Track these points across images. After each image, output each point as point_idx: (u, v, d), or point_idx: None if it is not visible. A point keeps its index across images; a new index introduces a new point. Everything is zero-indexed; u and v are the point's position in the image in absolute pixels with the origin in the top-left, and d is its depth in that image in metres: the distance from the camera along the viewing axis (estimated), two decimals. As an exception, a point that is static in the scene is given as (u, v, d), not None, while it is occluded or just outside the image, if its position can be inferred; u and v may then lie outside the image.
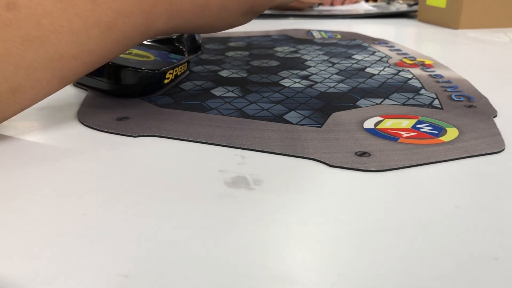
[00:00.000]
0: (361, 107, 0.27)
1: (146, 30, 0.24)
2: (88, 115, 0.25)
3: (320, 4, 0.88)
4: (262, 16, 0.74)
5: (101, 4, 0.21)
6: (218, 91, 0.30)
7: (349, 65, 0.38)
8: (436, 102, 0.28)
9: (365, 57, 0.41)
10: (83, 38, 0.21)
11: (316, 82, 0.32)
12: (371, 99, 0.28)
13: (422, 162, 0.20)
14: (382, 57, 0.41)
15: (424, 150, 0.21)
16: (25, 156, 0.21)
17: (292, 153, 0.21)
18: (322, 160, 0.20)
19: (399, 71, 0.36)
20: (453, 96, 0.29)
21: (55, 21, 0.20)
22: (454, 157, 0.20)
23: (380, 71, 0.36)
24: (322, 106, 0.27)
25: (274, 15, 0.75)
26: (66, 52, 0.21)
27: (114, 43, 0.23)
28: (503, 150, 0.21)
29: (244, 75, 0.35)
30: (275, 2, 0.29)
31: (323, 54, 0.43)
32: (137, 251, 0.14)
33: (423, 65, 0.38)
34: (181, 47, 0.36)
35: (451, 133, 0.23)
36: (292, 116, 0.25)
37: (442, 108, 0.27)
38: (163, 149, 0.21)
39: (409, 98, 0.29)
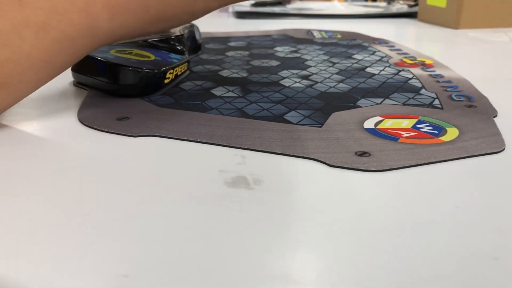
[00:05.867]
0: (361, 107, 0.27)
1: (90, 29, 0.23)
2: (88, 115, 0.25)
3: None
4: (263, 16, 0.74)
5: (29, 5, 0.21)
6: (218, 91, 0.30)
7: (349, 65, 0.38)
8: (436, 102, 0.28)
9: (365, 57, 0.41)
10: (15, 39, 0.21)
11: (316, 82, 0.32)
12: (371, 99, 0.28)
13: (422, 162, 0.20)
14: (382, 57, 0.41)
15: (424, 150, 0.21)
16: (24, 156, 0.21)
17: (292, 153, 0.21)
18: (322, 160, 0.20)
19: (399, 71, 0.36)
20: (453, 96, 0.29)
21: None
22: (454, 157, 0.20)
23: (380, 71, 0.36)
24: (322, 106, 0.27)
25: (275, 14, 0.75)
26: None
27: (54, 44, 0.22)
28: (503, 150, 0.21)
29: (244, 75, 0.35)
30: None
31: (323, 54, 0.43)
32: (137, 251, 0.14)
33: (423, 65, 0.38)
34: (181, 47, 0.36)
35: (451, 133, 0.23)
36: (292, 116, 0.25)
37: (442, 108, 0.27)
38: (163, 149, 0.21)
39: (409, 98, 0.29)
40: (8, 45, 0.21)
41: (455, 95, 0.29)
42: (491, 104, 0.28)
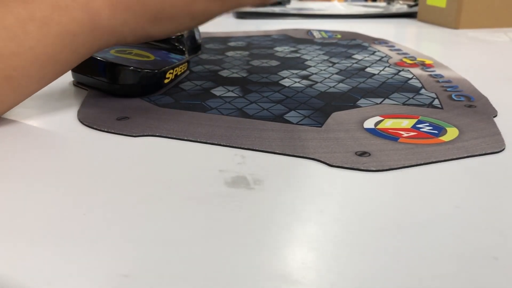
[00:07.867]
0: (361, 106, 0.27)
1: (91, 25, 0.23)
2: (88, 115, 0.25)
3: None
4: (263, 16, 0.74)
5: (33, 0, 0.22)
6: (218, 91, 0.30)
7: (349, 65, 0.38)
8: (436, 102, 0.28)
9: (365, 57, 0.41)
10: (20, 33, 0.21)
11: (316, 82, 0.32)
12: (371, 99, 0.28)
13: (422, 162, 0.20)
14: (382, 57, 0.41)
15: (424, 150, 0.21)
16: (25, 156, 0.21)
17: (292, 153, 0.21)
18: (322, 160, 0.20)
19: (399, 71, 0.36)
20: (453, 96, 0.29)
21: None
22: (454, 157, 0.20)
23: (380, 71, 0.36)
24: (322, 106, 0.27)
25: (275, 14, 0.75)
26: (3, 49, 0.21)
27: (56, 39, 0.23)
28: (503, 150, 0.21)
29: (244, 74, 0.35)
30: None
31: (323, 54, 0.43)
32: (137, 251, 0.14)
33: (423, 65, 0.38)
34: (181, 47, 0.36)
35: (451, 133, 0.23)
36: (292, 115, 0.25)
37: (442, 108, 0.27)
38: (163, 149, 0.21)
39: (409, 98, 0.29)
40: (13, 39, 0.21)
41: (455, 95, 0.29)
42: (491, 104, 0.28)
